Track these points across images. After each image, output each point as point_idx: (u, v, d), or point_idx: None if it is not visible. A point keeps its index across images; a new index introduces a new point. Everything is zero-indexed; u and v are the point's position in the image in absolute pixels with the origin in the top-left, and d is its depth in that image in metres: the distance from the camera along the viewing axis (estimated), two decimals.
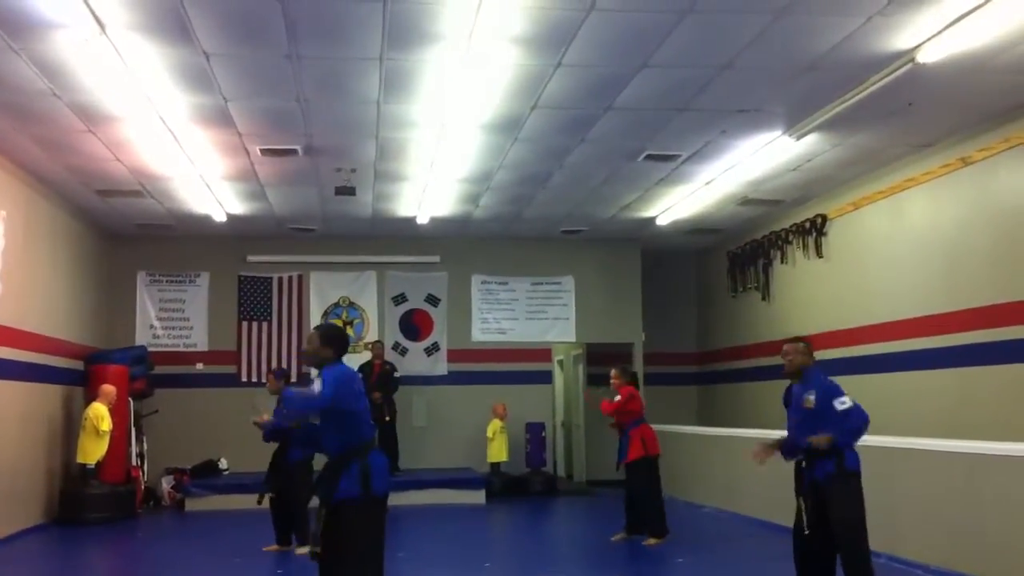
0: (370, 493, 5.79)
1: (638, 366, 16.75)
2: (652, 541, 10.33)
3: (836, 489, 6.71)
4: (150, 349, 15.26)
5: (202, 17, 7.32)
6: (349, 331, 16.28)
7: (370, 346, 15.74)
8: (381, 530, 5.90)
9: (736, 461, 12.42)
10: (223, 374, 15.78)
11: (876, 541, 9.01)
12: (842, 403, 6.72)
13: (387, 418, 14.95)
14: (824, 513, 6.75)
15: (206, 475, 14.61)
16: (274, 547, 10.08)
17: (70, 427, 13.26)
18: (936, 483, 8.54)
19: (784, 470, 10.86)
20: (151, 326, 15.87)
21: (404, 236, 16.02)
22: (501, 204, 13.88)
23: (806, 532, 6.78)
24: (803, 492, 6.88)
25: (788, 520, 10.93)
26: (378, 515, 5.88)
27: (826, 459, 6.75)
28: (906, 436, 9.59)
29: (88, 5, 6.98)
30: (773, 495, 11.12)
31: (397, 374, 15.40)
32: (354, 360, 15.76)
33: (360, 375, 6.37)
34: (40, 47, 7.76)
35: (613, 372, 10.96)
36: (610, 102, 9.41)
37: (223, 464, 15.12)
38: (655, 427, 10.98)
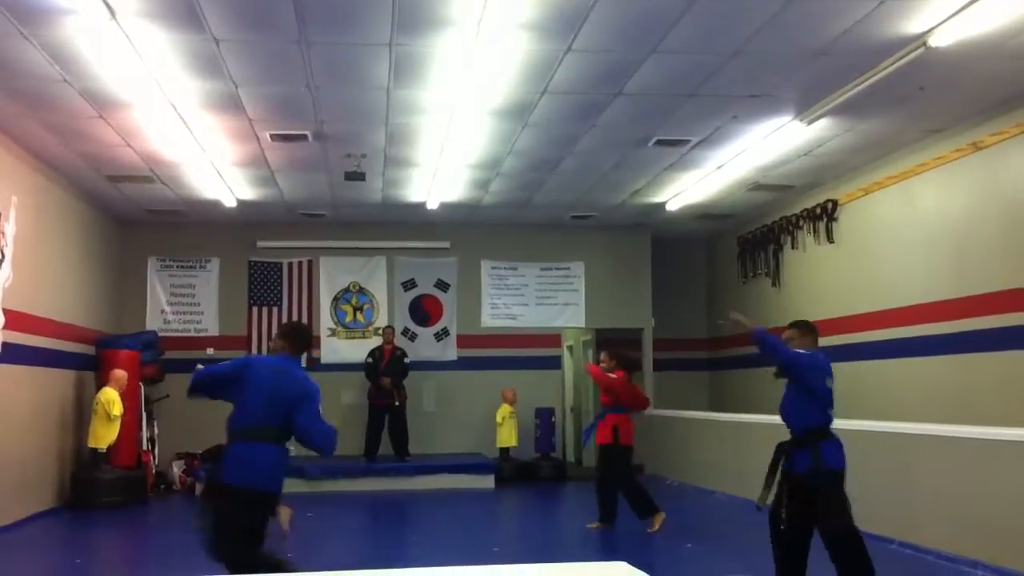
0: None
1: (647, 352, 16.79)
2: (595, 525, 10.43)
3: (822, 493, 6.43)
4: (161, 334, 15.32)
5: (212, 3, 7.31)
6: (359, 317, 16.36)
7: (381, 331, 15.79)
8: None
9: (747, 447, 12.43)
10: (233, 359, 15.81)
11: (889, 527, 9.06)
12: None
13: (396, 403, 15.02)
14: (801, 507, 6.50)
15: (216, 460, 14.63)
16: None
17: (81, 412, 13.32)
18: (948, 469, 8.53)
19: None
20: (162, 311, 15.92)
21: (414, 222, 16.03)
22: (511, 190, 13.87)
23: (781, 527, 6.52)
24: (785, 481, 6.61)
25: None
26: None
27: (803, 450, 6.53)
28: (915, 422, 9.59)
29: None
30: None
31: (407, 359, 15.44)
32: (365, 345, 15.86)
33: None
34: (50, 33, 7.77)
35: (603, 355, 10.91)
36: (620, 87, 9.39)
37: None
38: (667, 412, 10.97)
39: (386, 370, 15.08)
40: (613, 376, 10.54)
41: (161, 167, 12.15)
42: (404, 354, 15.47)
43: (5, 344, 10.76)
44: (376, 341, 15.79)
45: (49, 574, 9.41)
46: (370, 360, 15.32)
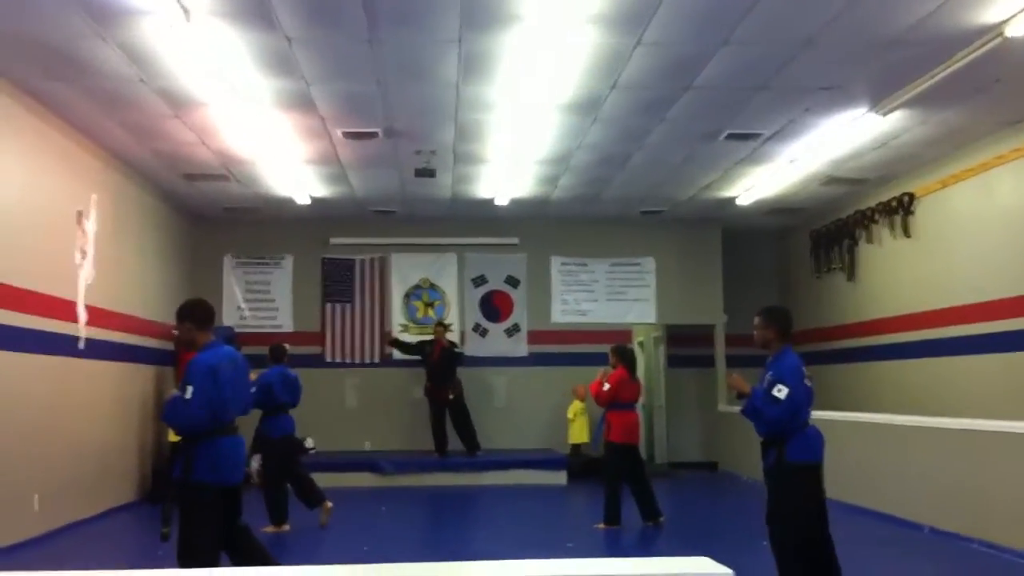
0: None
1: (720, 348, 16.64)
2: (601, 526, 10.36)
3: (773, 484, 6.42)
4: (237, 330, 15.53)
5: (284, 2, 7.41)
6: (430, 312, 16.47)
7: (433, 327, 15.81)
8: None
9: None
10: (308, 355, 15.99)
11: (966, 525, 8.89)
12: (779, 391, 6.32)
13: (451, 396, 14.91)
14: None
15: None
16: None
17: (161, 406, 13.57)
18: None
19: (857, 452, 10.73)
20: (238, 308, 16.21)
21: (483, 218, 16.09)
22: (580, 185, 13.85)
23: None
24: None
25: (863, 500, 10.78)
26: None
27: (770, 448, 6.45)
28: (996, 419, 9.39)
29: None
30: (848, 477, 10.97)
31: (459, 349, 15.45)
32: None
33: None
34: (127, 34, 7.94)
35: (611, 352, 10.96)
36: (690, 81, 9.32)
37: (310, 443, 15.31)
38: (739, 409, 10.82)
39: (438, 363, 15.02)
40: (614, 386, 10.48)
41: (235, 165, 12.35)
42: (454, 345, 15.47)
43: (88, 340, 11.02)
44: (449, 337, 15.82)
45: (132, 564, 9.60)
46: (419, 356, 15.36)
